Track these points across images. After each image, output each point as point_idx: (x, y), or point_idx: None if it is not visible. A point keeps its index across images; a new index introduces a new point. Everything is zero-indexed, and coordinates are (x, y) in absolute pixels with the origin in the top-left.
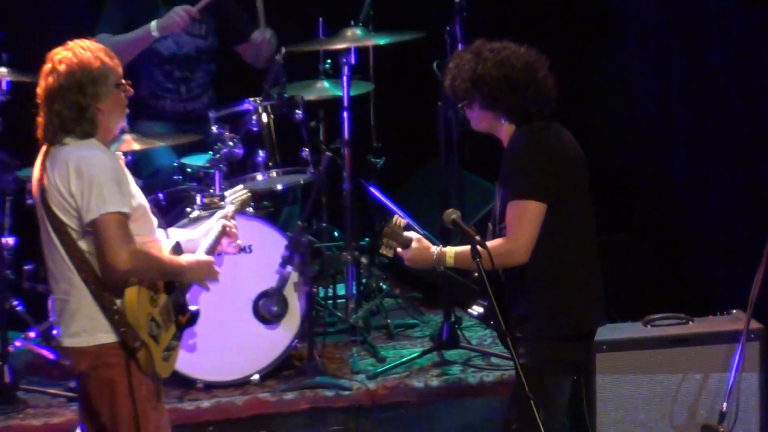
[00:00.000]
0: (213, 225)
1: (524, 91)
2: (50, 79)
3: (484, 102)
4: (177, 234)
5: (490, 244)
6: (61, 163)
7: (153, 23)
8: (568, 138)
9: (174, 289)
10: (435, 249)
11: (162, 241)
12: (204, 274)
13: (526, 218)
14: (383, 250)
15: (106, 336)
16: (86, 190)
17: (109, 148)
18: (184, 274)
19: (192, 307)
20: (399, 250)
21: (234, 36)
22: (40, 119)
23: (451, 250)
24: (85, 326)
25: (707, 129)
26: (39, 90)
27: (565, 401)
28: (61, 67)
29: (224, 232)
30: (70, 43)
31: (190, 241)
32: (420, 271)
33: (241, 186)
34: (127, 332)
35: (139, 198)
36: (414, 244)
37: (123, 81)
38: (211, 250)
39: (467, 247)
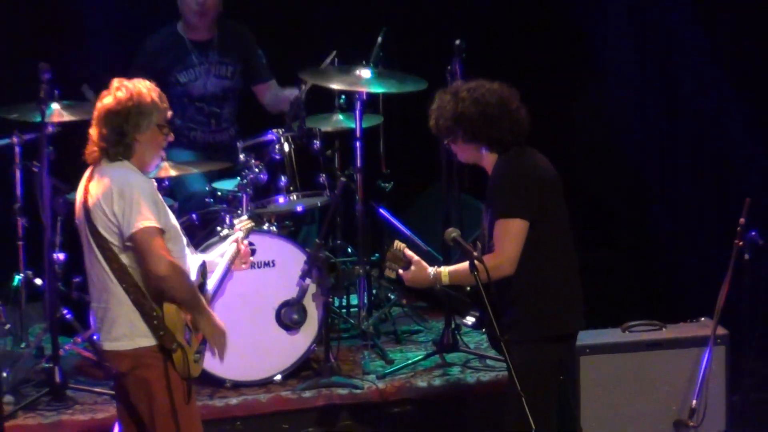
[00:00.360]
0: (227, 248)
1: (500, 123)
2: (106, 101)
3: (465, 137)
4: (199, 256)
5: (482, 262)
6: (105, 185)
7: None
8: (543, 161)
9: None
10: (432, 270)
11: (189, 257)
12: (212, 334)
13: (510, 234)
14: (387, 272)
15: (145, 340)
16: (127, 208)
17: (146, 174)
18: (202, 315)
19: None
20: (401, 271)
21: (254, 78)
22: (90, 138)
23: (445, 270)
24: (125, 331)
25: (678, 156)
26: (95, 111)
27: (554, 397)
28: (119, 93)
29: (237, 254)
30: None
31: (210, 262)
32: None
33: (245, 216)
34: (165, 336)
35: (172, 220)
36: (413, 267)
37: (166, 125)
38: (227, 268)
39: (461, 266)
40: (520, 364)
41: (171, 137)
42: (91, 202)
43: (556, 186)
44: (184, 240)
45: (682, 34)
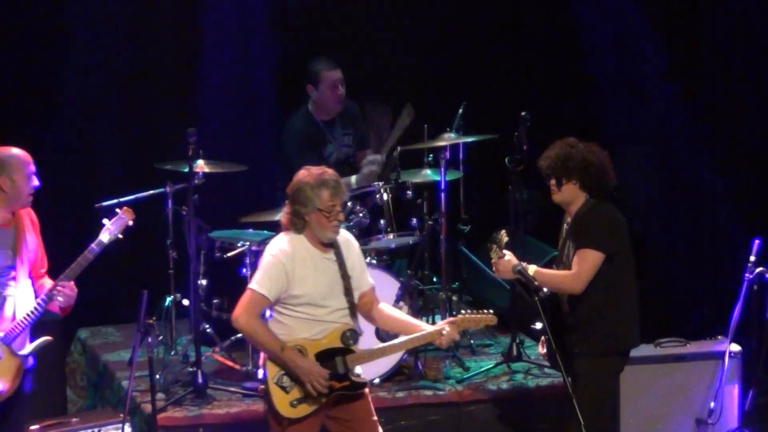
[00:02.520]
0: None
1: (606, 175)
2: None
3: (578, 180)
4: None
5: (558, 272)
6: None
7: (353, 178)
8: (618, 211)
9: (327, 359)
10: (519, 263)
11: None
12: (305, 374)
13: (587, 262)
14: (491, 253)
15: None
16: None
17: (317, 245)
18: (282, 359)
19: (356, 380)
20: (494, 260)
21: (360, 144)
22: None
23: (533, 267)
24: None
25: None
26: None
27: (612, 403)
28: (293, 180)
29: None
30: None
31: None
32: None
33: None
34: (264, 374)
35: (308, 287)
36: (506, 257)
37: (329, 210)
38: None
39: (546, 270)
40: (586, 375)
41: (340, 218)
42: None
43: (626, 230)
44: (335, 303)
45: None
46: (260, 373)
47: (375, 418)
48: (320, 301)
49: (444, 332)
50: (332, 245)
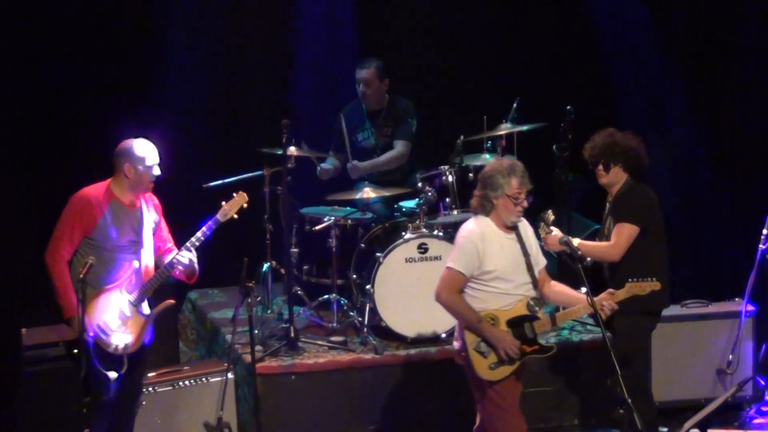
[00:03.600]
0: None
1: (644, 158)
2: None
3: (621, 164)
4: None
5: (599, 243)
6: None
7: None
8: (651, 190)
9: (517, 325)
10: (566, 237)
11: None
12: (499, 342)
13: (624, 234)
14: (540, 230)
15: (457, 343)
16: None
17: (501, 227)
18: (479, 330)
19: (544, 344)
20: (543, 235)
21: (397, 134)
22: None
23: (577, 240)
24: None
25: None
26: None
27: (649, 356)
28: (486, 167)
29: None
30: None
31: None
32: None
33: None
34: (463, 342)
35: (500, 263)
36: (553, 233)
37: (516, 196)
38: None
39: (589, 242)
40: (624, 330)
41: (523, 204)
42: None
43: (658, 206)
44: (521, 278)
45: None
46: (455, 344)
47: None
48: (509, 275)
49: (604, 305)
50: (513, 227)
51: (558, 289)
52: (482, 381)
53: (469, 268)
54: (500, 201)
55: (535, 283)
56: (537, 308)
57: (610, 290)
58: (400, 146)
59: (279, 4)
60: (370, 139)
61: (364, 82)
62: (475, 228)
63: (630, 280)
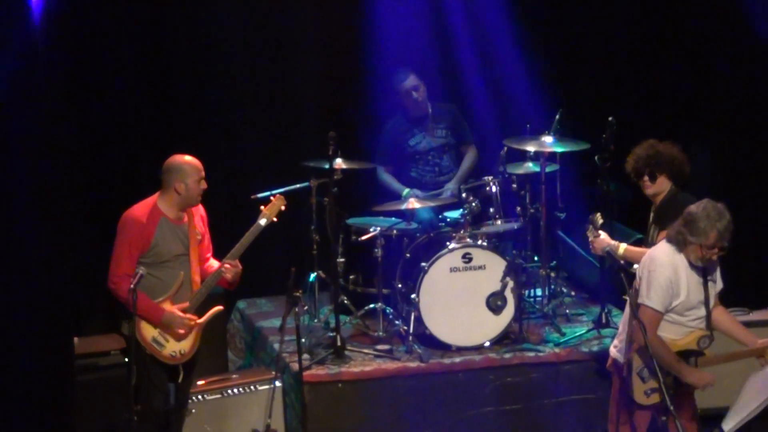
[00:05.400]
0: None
1: (686, 166)
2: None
3: (667, 174)
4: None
5: (644, 250)
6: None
7: (406, 191)
8: (694, 198)
9: (684, 358)
10: (612, 241)
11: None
12: (699, 383)
13: None
14: (588, 233)
15: (617, 352)
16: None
17: (690, 263)
18: (676, 369)
19: None
20: (591, 239)
21: (460, 136)
22: None
23: (623, 246)
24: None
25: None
26: None
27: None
28: (695, 207)
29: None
30: None
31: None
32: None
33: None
34: (629, 364)
35: (690, 296)
36: (600, 236)
37: (711, 248)
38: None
39: (635, 248)
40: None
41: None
42: None
43: None
44: (703, 311)
45: None
46: (615, 352)
47: (696, 403)
48: (687, 310)
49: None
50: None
51: (722, 317)
52: (633, 402)
53: (665, 303)
54: (694, 246)
55: (709, 317)
56: (705, 345)
57: None
58: (472, 150)
59: (334, 18)
60: (423, 142)
61: (415, 89)
62: (666, 260)
63: None
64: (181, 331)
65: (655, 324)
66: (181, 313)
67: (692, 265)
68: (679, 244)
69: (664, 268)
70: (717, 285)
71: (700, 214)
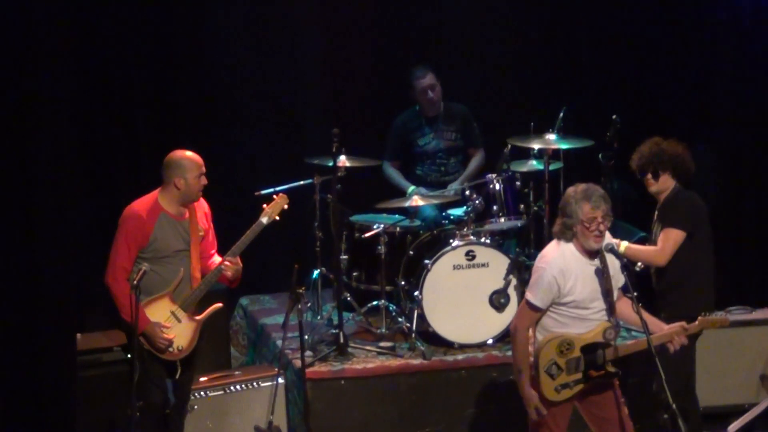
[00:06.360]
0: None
1: (690, 165)
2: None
3: (670, 171)
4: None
5: (646, 247)
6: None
7: (411, 188)
8: (698, 196)
9: (591, 352)
10: (613, 240)
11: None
12: (526, 401)
13: (670, 239)
14: None
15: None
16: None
17: (583, 253)
18: (516, 378)
19: (610, 369)
20: None
21: (470, 140)
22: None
23: (625, 243)
24: None
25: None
26: None
27: (694, 359)
28: (565, 194)
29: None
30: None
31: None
32: None
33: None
34: (536, 361)
35: (576, 294)
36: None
37: (590, 221)
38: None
39: (636, 246)
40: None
41: (592, 231)
42: None
43: (705, 212)
44: (597, 305)
45: None
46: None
47: (622, 399)
48: (586, 303)
49: (674, 339)
50: (598, 252)
51: (626, 309)
52: (544, 400)
53: (546, 302)
54: (577, 228)
55: (612, 308)
56: (611, 337)
57: (683, 324)
58: (480, 154)
59: (331, 17)
60: (432, 143)
61: (431, 87)
62: (555, 258)
63: (702, 314)
64: (160, 347)
65: (529, 319)
66: (162, 333)
67: (586, 256)
68: (564, 234)
69: (550, 268)
70: (618, 280)
71: (568, 198)
